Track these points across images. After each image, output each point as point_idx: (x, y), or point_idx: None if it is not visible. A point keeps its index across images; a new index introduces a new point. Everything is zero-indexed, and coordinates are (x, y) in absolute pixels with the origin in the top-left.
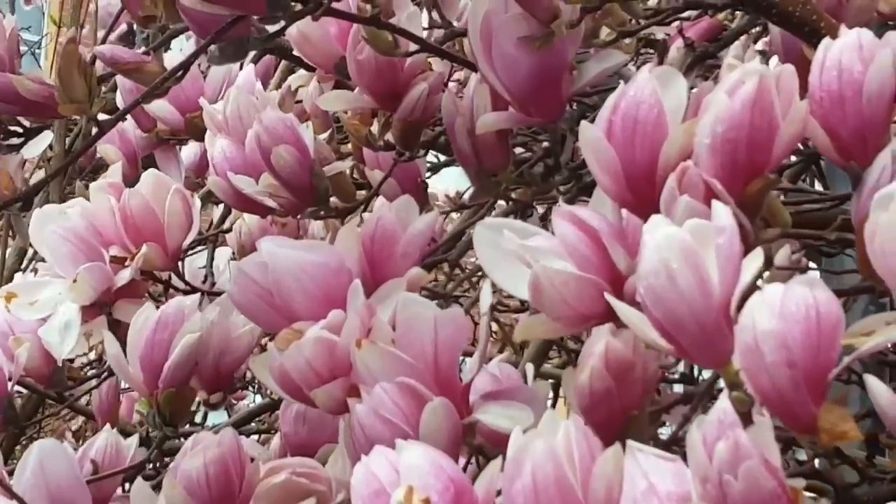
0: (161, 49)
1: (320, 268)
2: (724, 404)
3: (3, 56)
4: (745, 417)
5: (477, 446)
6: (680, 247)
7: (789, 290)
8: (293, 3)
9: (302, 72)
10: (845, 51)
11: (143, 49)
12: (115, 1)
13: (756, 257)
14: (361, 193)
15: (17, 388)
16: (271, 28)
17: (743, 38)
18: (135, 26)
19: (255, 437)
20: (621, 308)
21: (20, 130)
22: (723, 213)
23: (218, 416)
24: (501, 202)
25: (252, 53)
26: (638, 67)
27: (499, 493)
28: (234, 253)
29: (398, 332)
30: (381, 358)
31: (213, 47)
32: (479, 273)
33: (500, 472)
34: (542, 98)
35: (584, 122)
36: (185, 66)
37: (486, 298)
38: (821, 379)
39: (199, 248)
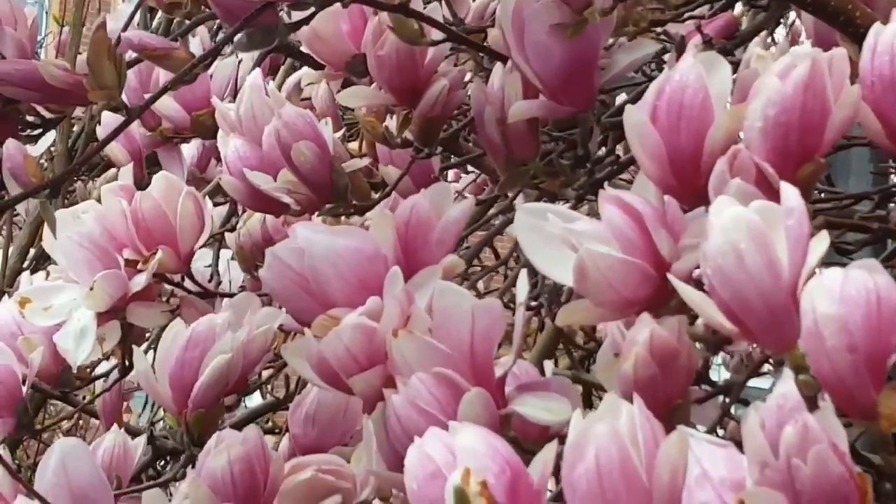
0: (187, 36)
1: (356, 253)
2: (784, 388)
3: (24, 43)
4: (810, 402)
5: (513, 438)
6: (748, 227)
7: (849, 274)
8: None
9: (307, 70)
10: None
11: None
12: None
13: (822, 239)
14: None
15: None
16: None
17: (763, 34)
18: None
19: None
20: (686, 290)
21: (37, 122)
22: (792, 195)
23: None
24: (501, 203)
25: (256, 53)
26: (656, 64)
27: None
28: (233, 254)
29: (435, 321)
30: (418, 348)
31: (240, 34)
32: (486, 276)
33: (553, 456)
34: (574, 87)
35: (628, 107)
36: (213, 52)
37: (522, 289)
38: (881, 364)
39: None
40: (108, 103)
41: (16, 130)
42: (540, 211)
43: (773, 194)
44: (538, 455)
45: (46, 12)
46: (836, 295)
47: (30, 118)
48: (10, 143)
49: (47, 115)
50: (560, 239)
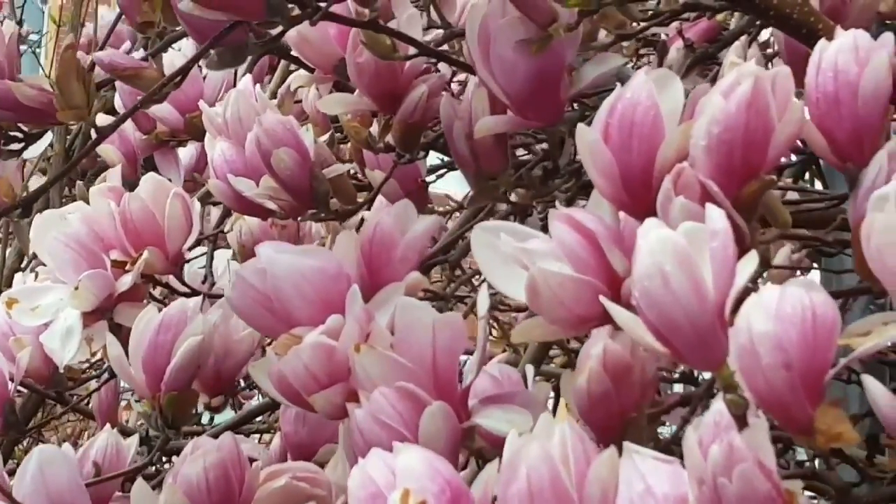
0: (160, 54)
1: (318, 273)
2: (719, 406)
3: (2, 62)
4: (740, 420)
5: (477, 450)
6: (674, 249)
7: (785, 291)
8: (291, 7)
9: (301, 72)
10: (841, 52)
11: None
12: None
13: (751, 260)
14: (362, 195)
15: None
16: (270, 32)
17: (743, 38)
18: (137, 40)
19: (256, 436)
20: (616, 311)
21: (20, 136)
22: (717, 216)
23: (224, 415)
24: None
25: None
26: (638, 68)
27: (495, 497)
28: (234, 253)
29: (397, 336)
30: (380, 362)
31: (211, 52)
32: (481, 274)
33: (496, 475)
34: (541, 101)
35: (580, 125)
36: (183, 71)
37: (483, 302)
38: (817, 380)
39: (199, 249)
40: (78, 123)
41: None
42: (494, 229)
43: None
44: (479, 475)
45: (44, 12)
46: (772, 312)
47: (11, 133)
48: None
49: (28, 129)
50: (512, 257)
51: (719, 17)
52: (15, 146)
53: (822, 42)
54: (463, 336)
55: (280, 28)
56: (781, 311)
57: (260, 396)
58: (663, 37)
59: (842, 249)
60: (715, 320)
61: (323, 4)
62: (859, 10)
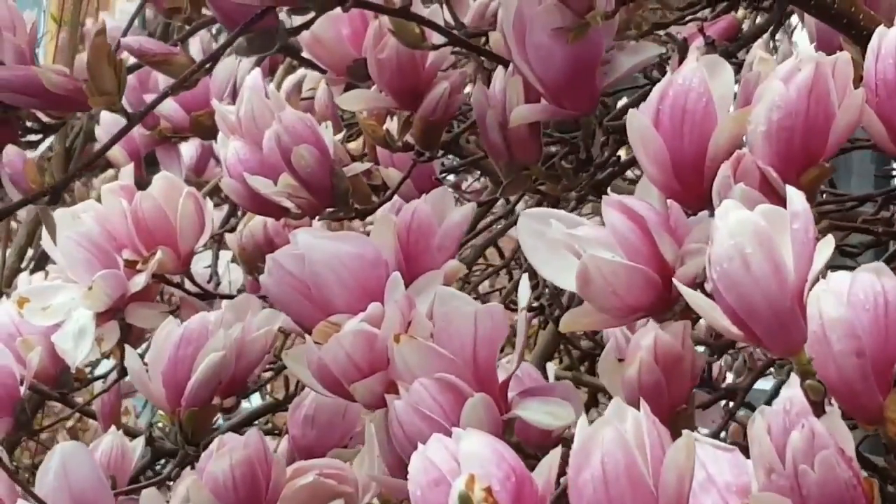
0: (187, 41)
1: (357, 259)
2: (790, 393)
3: (24, 49)
4: (817, 407)
5: (515, 443)
6: (754, 231)
7: (856, 277)
8: None
9: (308, 72)
10: None
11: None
12: (120, 26)
13: (828, 244)
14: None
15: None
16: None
17: (765, 35)
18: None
19: None
20: (691, 295)
21: (37, 127)
22: (797, 199)
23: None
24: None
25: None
26: (658, 66)
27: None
28: (234, 255)
29: (437, 326)
30: (420, 353)
31: (240, 38)
32: (487, 279)
33: (558, 462)
34: (576, 90)
35: (631, 111)
36: (213, 57)
37: (524, 293)
38: (888, 368)
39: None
40: (107, 108)
41: (16, 136)
42: (543, 216)
43: (777, 199)
44: (543, 460)
45: (44, 11)
46: (843, 299)
47: (29, 124)
48: (10, 149)
49: (47, 120)
50: (563, 244)
51: (739, 15)
52: (33, 137)
53: (881, 28)
54: (503, 327)
55: (311, 14)
56: (853, 296)
57: (260, 398)
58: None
59: (864, 249)
60: (794, 304)
61: None
62: (891, 3)
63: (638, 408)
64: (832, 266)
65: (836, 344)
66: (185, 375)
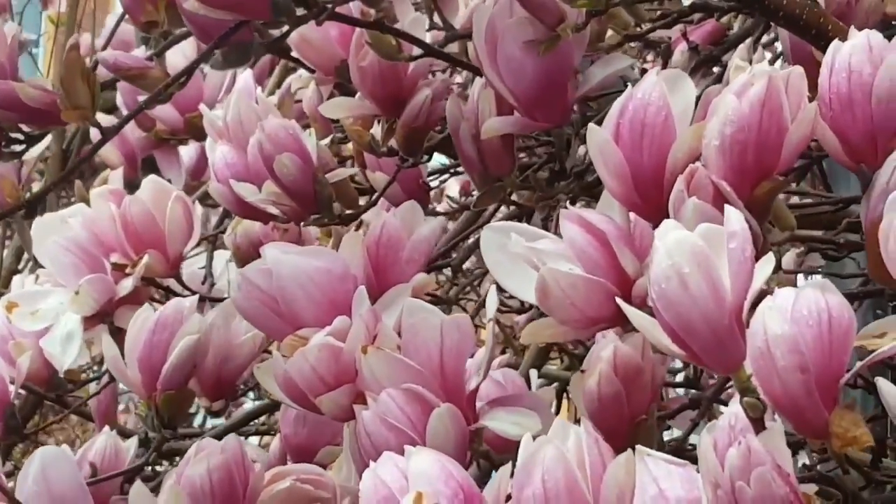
0: (164, 54)
1: (325, 274)
2: (734, 409)
3: (3, 63)
4: (757, 423)
5: (483, 452)
6: (692, 251)
7: (800, 294)
8: (296, 8)
9: (302, 72)
10: (854, 52)
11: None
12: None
13: (768, 262)
14: (362, 198)
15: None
16: (274, 32)
17: (749, 40)
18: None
19: (254, 438)
20: (632, 313)
21: (21, 137)
22: (735, 218)
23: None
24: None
25: None
26: (641, 71)
27: (508, 498)
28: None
29: (404, 338)
30: (388, 364)
31: (216, 52)
32: (482, 277)
33: (509, 478)
34: (548, 102)
35: (591, 125)
36: (188, 71)
37: (491, 303)
38: (833, 383)
39: (198, 250)
40: (81, 123)
41: None
42: (505, 229)
43: None
44: (493, 477)
45: (42, 13)
46: (787, 315)
47: (12, 135)
48: None
49: (29, 131)
50: (523, 258)
51: (724, 19)
52: (16, 147)
53: (835, 42)
54: (471, 338)
55: (285, 28)
56: (797, 313)
57: (257, 398)
58: (669, 39)
59: (848, 252)
60: (733, 323)
61: (329, 5)
62: (865, 12)
63: (598, 420)
64: (818, 270)
65: (781, 360)
66: (160, 360)
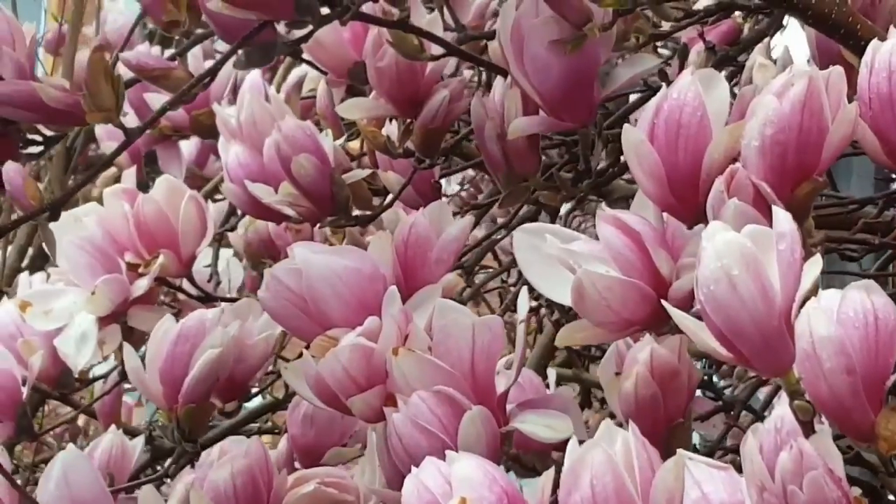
0: (186, 54)
1: (355, 274)
2: (781, 412)
3: (22, 63)
4: (806, 426)
5: (513, 455)
6: (741, 253)
7: (846, 295)
8: (321, 8)
9: (308, 70)
10: (895, 52)
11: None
12: (123, 21)
13: (815, 264)
14: (375, 198)
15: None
16: (298, 32)
17: (766, 40)
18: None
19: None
20: (678, 315)
21: (39, 139)
22: (784, 219)
23: None
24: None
25: None
26: (660, 73)
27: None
28: (235, 252)
29: (435, 339)
30: (419, 366)
31: (239, 52)
32: (492, 282)
33: (552, 483)
34: (574, 102)
35: (626, 126)
36: (212, 72)
37: (523, 305)
38: (879, 385)
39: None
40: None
41: (16, 150)
42: (538, 231)
43: (770, 214)
44: (538, 481)
45: (44, 11)
46: (833, 317)
47: (31, 136)
48: (10, 166)
49: (47, 132)
50: (558, 259)
51: (738, 19)
52: (34, 149)
53: (874, 42)
54: (501, 339)
55: (309, 28)
56: (843, 314)
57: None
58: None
59: (865, 253)
60: (782, 325)
61: (352, 5)
62: (889, 12)
63: (636, 423)
64: (834, 271)
65: (827, 362)
66: (182, 372)
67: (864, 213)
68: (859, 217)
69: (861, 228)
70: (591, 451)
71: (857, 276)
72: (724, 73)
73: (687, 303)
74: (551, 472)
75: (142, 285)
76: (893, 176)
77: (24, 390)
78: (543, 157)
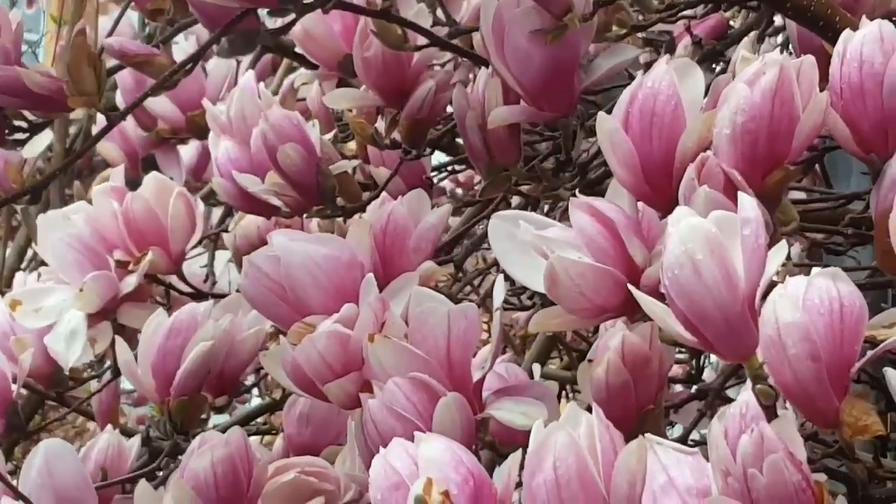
0: (170, 42)
1: (332, 261)
2: (745, 397)
3: (8, 49)
4: (769, 411)
5: (489, 442)
6: (705, 238)
7: (812, 282)
8: None
9: (304, 70)
10: (866, 42)
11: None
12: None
13: (780, 249)
14: (365, 193)
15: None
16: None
17: (753, 34)
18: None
19: (255, 437)
20: (645, 300)
21: (24, 125)
22: (748, 204)
23: (219, 417)
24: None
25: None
26: (646, 65)
27: (518, 485)
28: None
29: (411, 326)
30: (394, 352)
31: (222, 40)
32: (482, 275)
33: (518, 465)
34: (555, 92)
35: (601, 114)
36: (194, 58)
37: (498, 293)
38: (844, 372)
39: (199, 249)
40: (89, 109)
41: (2, 135)
42: (513, 218)
43: None
44: (503, 464)
45: (44, 12)
46: (799, 303)
47: (17, 122)
48: None
49: (33, 119)
50: (532, 246)
51: (727, 14)
52: (19, 136)
53: (846, 32)
54: (477, 328)
55: (292, 16)
56: (808, 301)
57: (259, 397)
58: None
59: (852, 247)
60: (745, 310)
61: None
62: (872, 7)
63: (606, 409)
64: (819, 264)
65: (792, 348)
66: (173, 365)
67: (850, 209)
68: (846, 212)
69: (848, 223)
70: (555, 434)
71: (853, 271)
72: (716, 68)
73: (659, 289)
74: (518, 454)
75: (131, 282)
76: None
77: (15, 388)
78: (531, 150)
